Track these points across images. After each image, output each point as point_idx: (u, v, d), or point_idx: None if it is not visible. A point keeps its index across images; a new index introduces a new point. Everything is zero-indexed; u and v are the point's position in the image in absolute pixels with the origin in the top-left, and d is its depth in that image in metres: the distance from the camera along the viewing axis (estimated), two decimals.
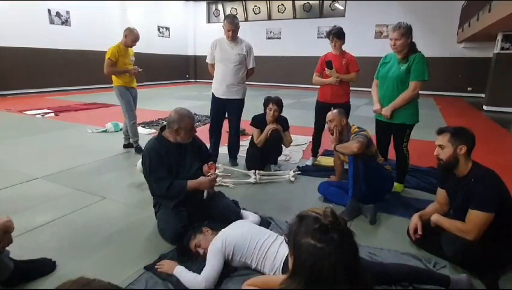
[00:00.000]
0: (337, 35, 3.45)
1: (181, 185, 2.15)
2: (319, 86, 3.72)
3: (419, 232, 2.05)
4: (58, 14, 10.32)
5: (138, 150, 4.03)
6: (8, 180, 3.09)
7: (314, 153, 3.86)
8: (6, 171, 3.37)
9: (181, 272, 1.75)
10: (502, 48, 8.40)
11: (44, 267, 1.82)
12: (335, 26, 3.54)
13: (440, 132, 2.00)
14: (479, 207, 1.78)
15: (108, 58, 3.95)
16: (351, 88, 3.66)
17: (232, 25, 3.38)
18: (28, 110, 6.76)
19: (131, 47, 4.14)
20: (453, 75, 11.63)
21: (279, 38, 14.69)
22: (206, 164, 2.38)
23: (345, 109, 3.48)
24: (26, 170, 3.37)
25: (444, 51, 11.49)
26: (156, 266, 1.84)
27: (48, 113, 6.54)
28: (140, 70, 4.13)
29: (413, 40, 2.76)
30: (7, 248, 1.62)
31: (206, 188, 2.29)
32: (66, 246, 2.08)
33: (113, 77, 4.08)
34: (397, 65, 2.80)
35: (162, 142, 2.25)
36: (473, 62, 11.42)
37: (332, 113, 2.81)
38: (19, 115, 6.44)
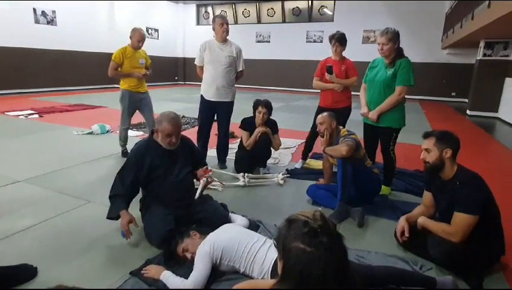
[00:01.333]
0: (340, 40, 3.46)
1: (117, 207, 2.07)
2: (318, 91, 3.72)
3: (406, 234, 2.07)
4: (43, 14, 10.12)
5: (124, 154, 3.94)
6: None
7: (305, 156, 3.87)
8: None
9: (168, 277, 1.71)
10: (484, 55, 8.64)
11: (25, 273, 1.75)
12: (338, 31, 3.53)
13: (426, 136, 2.03)
14: (464, 210, 1.81)
15: (112, 60, 3.82)
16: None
17: (225, 19, 3.40)
18: (10, 111, 6.58)
19: (138, 48, 3.94)
20: (438, 81, 11.90)
21: (269, 41, 14.76)
22: (201, 169, 2.35)
23: (346, 113, 3.50)
24: (7, 173, 3.26)
25: (429, 57, 11.76)
26: (142, 271, 1.80)
27: (32, 114, 6.38)
28: (143, 74, 3.90)
29: (400, 46, 2.80)
30: None
31: (123, 225, 2.04)
32: (48, 251, 2.01)
33: (121, 79, 3.93)
34: (384, 69, 2.84)
35: (151, 144, 2.21)
36: (456, 68, 11.71)
37: (322, 116, 2.83)
38: (1, 116, 6.26)
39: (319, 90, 3.71)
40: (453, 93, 11.98)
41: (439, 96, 12.08)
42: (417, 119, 7.39)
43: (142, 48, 4.03)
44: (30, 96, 9.25)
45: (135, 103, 3.94)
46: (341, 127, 2.88)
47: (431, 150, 1.97)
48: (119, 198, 2.10)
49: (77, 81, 11.28)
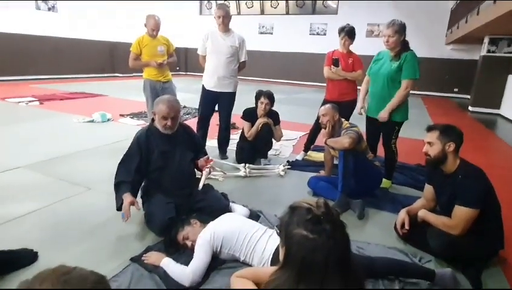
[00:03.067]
0: (349, 33, 3.42)
1: (121, 193, 2.03)
2: (321, 84, 3.70)
3: (406, 227, 2.07)
4: (44, 0, 10.00)
5: None
6: None
7: (306, 148, 3.86)
8: None
9: (168, 264, 1.72)
10: (488, 51, 8.57)
11: (26, 258, 1.76)
12: (348, 24, 3.48)
13: (429, 129, 2.03)
14: (465, 203, 1.81)
15: (130, 50, 3.73)
16: None
17: (223, 11, 3.33)
18: (11, 97, 6.55)
19: (154, 37, 3.76)
20: (441, 76, 11.83)
21: (272, 33, 14.63)
22: (202, 159, 2.34)
23: (352, 106, 3.48)
24: (7, 159, 3.26)
25: (433, 52, 11.66)
26: (142, 258, 1.81)
27: (32, 101, 6.34)
28: (159, 62, 3.67)
29: (406, 39, 2.77)
30: None
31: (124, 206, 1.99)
32: (49, 236, 2.01)
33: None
34: (389, 62, 2.81)
35: (152, 130, 2.21)
36: (460, 64, 11.63)
37: (325, 108, 2.81)
38: (1, 102, 6.23)
39: (325, 84, 3.68)
40: (456, 89, 11.93)
41: (441, 92, 12.02)
42: (419, 114, 7.37)
43: (163, 34, 3.85)
44: (30, 83, 9.21)
45: (157, 92, 3.74)
46: (343, 119, 2.86)
47: (434, 143, 1.96)
48: (123, 185, 2.08)
49: (77, 69, 11.21)
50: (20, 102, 6.21)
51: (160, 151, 2.20)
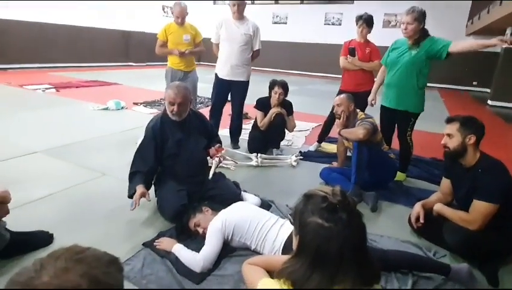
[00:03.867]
0: (367, 22, 3.33)
1: (135, 183, 2.06)
2: (336, 75, 3.63)
3: (421, 220, 2.02)
4: None
5: None
6: (6, 153, 3.05)
7: (320, 139, 3.81)
8: (5, 144, 3.32)
9: (180, 250, 1.73)
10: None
11: (41, 239, 1.79)
12: (366, 12, 3.40)
13: (449, 120, 1.96)
14: (485, 198, 1.75)
15: (157, 37, 3.72)
16: None
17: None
18: (28, 84, 6.67)
19: (181, 24, 3.71)
20: (459, 69, 11.45)
21: (286, 23, 14.40)
22: (213, 147, 2.33)
23: (367, 97, 3.40)
24: (25, 144, 3.33)
25: None
26: (154, 243, 1.83)
27: (49, 88, 6.44)
28: (180, 52, 3.59)
29: (425, 27, 2.68)
30: (3, 219, 1.60)
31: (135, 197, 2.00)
32: (64, 219, 2.05)
33: None
34: (408, 51, 2.73)
35: (165, 118, 2.21)
36: (480, 56, 11.20)
37: (340, 98, 2.75)
38: (20, 89, 6.35)
39: (340, 75, 3.60)
40: (475, 83, 11.55)
41: (459, 84, 11.66)
42: (435, 107, 7.18)
43: (191, 23, 3.79)
44: (47, 71, 9.35)
45: (177, 80, 3.67)
46: (358, 110, 2.80)
47: (453, 136, 1.89)
48: (138, 175, 2.11)
49: (92, 58, 11.31)
50: (37, 89, 6.31)
51: (175, 139, 2.20)
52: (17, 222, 1.77)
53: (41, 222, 1.97)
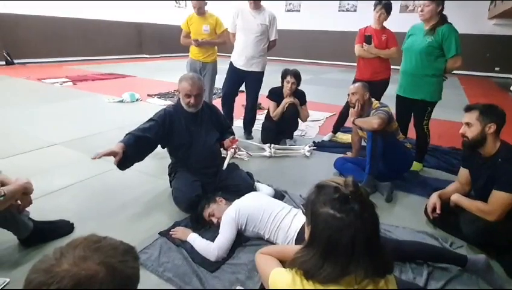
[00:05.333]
0: (386, 7, 3.22)
1: (120, 141, 1.99)
2: (351, 64, 3.55)
3: (438, 211, 1.99)
4: None
5: None
6: (27, 145, 3.16)
7: (335, 129, 3.77)
8: (26, 136, 3.44)
9: (195, 239, 1.77)
10: None
11: (63, 228, 1.87)
12: None
13: (468, 109, 1.90)
14: (505, 188, 1.70)
15: (182, 28, 3.76)
16: None
17: None
18: (46, 78, 6.84)
19: (201, 15, 3.65)
20: (480, 54, 11.03)
21: (299, 11, 14.16)
22: (227, 139, 2.35)
23: (384, 86, 3.33)
24: (44, 136, 3.44)
25: (473, 28, 10.84)
26: (170, 232, 1.87)
27: (66, 82, 6.60)
28: (196, 41, 3.57)
29: (444, 13, 2.59)
30: (27, 209, 1.66)
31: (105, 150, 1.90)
32: (84, 209, 2.13)
33: None
34: (423, 37, 2.65)
35: (178, 108, 2.23)
36: (503, 40, 10.77)
37: (355, 86, 2.71)
38: (38, 82, 6.53)
39: (355, 63, 3.53)
40: (497, 68, 11.11)
41: (480, 71, 11.24)
42: (455, 94, 6.97)
43: (212, 14, 3.76)
44: (64, 64, 9.55)
45: (195, 71, 3.65)
46: (373, 99, 2.75)
47: (472, 124, 1.84)
48: (127, 136, 2.05)
49: (107, 51, 11.46)
50: (55, 82, 6.47)
51: (186, 127, 2.22)
52: (39, 211, 1.85)
53: (62, 211, 2.05)
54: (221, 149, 2.45)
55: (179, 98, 2.28)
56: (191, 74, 2.26)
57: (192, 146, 2.25)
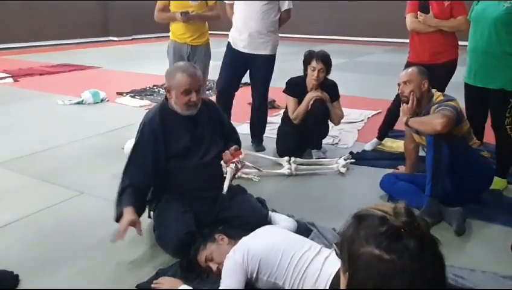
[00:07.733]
0: None
1: (123, 204, 2.09)
2: (405, 40, 3.54)
3: None
4: None
5: None
6: None
7: (381, 135, 3.80)
8: None
9: None
10: None
11: (4, 282, 1.90)
12: None
13: None
14: None
15: None
16: None
17: None
18: None
19: None
20: None
21: None
22: (227, 151, 2.37)
23: (450, 70, 3.34)
24: None
25: None
26: (152, 285, 1.89)
27: (4, 78, 6.76)
28: (184, 13, 3.53)
29: None
30: None
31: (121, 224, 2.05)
32: (32, 255, 2.16)
33: None
34: (498, 1, 2.69)
35: (165, 112, 2.27)
36: None
37: (408, 72, 2.74)
38: None
39: (408, 40, 3.55)
40: None
41: None
42: None
43: None
44: (1, 54, 9.77)
45: (183, 58, 3.71)
46: (435, 90, 2.77)
47: None
48: (129, 190, 2.14)
49: (59, 34, 11.64)
50: None
51: (179, 137, 2.26)
52: None
53: (3, 258, 2.08)
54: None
55: (165, 99, 2.32)
56: (187, 63, 2.27)
57: (185, 161, 2.28)
